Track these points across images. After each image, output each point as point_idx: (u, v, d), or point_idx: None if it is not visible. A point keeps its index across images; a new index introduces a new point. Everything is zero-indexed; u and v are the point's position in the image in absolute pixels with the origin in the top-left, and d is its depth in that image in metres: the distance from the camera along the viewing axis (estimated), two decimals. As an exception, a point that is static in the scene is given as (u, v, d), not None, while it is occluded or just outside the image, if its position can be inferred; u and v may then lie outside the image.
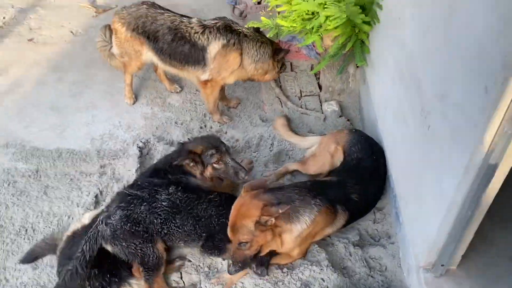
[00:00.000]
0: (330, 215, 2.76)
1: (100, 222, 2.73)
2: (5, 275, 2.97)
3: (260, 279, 2.76)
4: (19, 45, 5.07)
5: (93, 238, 2.68)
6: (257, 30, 3.78)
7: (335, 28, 3.38)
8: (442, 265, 2.27)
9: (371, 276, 2.77)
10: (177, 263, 2.98)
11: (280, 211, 2.45)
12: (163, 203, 2.81)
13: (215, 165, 3.07)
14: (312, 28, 3.57)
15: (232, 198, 2.81)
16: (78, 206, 3.36)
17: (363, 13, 3.29)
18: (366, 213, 3.05)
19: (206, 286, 2.83)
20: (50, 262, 3.01)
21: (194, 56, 3.63)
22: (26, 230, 3.22)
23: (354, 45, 3.61)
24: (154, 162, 3.51)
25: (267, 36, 3.84)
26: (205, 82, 3.77)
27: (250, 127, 3.96)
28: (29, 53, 4.95)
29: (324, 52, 3.98)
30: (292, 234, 2.62)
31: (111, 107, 4.26)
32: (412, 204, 2.56)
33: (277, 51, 3.73)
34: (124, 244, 2.71)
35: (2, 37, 5.19)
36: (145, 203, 2.78)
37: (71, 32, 5.28)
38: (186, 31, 3.60)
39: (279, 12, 4.00)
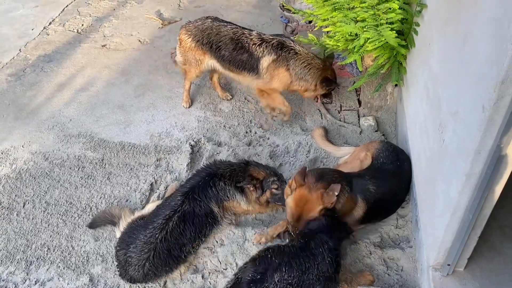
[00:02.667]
0: (351, 203, 3.12)
1: None
2: (72, 244, 3.49)
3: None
4: (94, 50, 5.75)
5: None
6: (330, 56, 4.20)
7: (374, 49, 3.71)
8: (449, 265, 2.52)
9: (388, 274, 3.04)
10: None
11: (336, 193, 2.82)
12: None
13: (274, 190, 3.40)
14: (354, 48, 3.91)
15: None
16: (135, 191, 3.85)
17: (400, 37, 3.59)
18: (386, 213, 3.33)
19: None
20: (109, 236, 3.50)
21: (250, 63, 4.13)
22: (91, 208, 3.75)
23: (392, 66, 3.90)
24: (208, 162, 3.82)
25: (325, 61, 4.20)
26: (260, 90, 4.26)
27: (291, 135, 4.33)
28: (101, 57, 5.61)
29: (364, 71, 4.30)
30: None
31: (169, 109, 4.77)
32: (427, 211, 2.83)
33: (328, 80, 4.13)
34: None
35: (80, 42, 5.92)
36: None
37: (139, 40, 5.91)
38: (246, 42, 4.10)
39: (327, 32, 4.38)
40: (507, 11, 1.72)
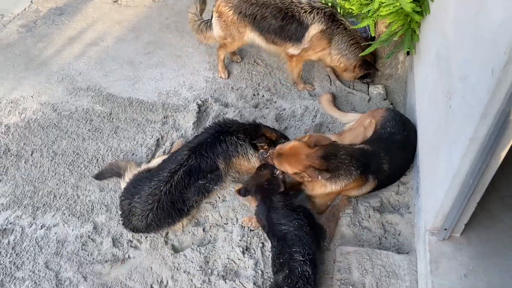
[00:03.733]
0: (360, 182, 3.11)
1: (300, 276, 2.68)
2: (77, 192, 3.57)
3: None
4: (105, 5, 5.71)
5: None
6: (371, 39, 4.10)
7: (388, 14, 3.64)
8: (445, 230, 2.55)
9: (385, 238, 3.09)
10: None
11: (320, 178, 2.85)
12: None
13: None
14: (368, 12, 3.84)
15: None
16: (141, 146, 3.90)
17: (416, 3, 3.51)
18: (392, 183, 3.35)
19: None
20: (114, 187, 3.58)
21: (298, 33, 4.01)
22: (97, 160, 3.81)
23: (405, 33, 3.83)
24: (214, 120, 3.89)
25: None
26: (291, 56, 4.19)
27: (298, 100, 4.32)
28: (113, 13, 5.58)
29: (377, 37, 4.23)
30: (325, 189, 3.02)
31: (178, 68, 4.77)
32: (429, 177, 2.84)
33: (367, 64, 4.08)
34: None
35: (92, -3, 5.86)
36: (296, 239, 2.79)
37: (151, -2, 5.85)
38: (296, 10, 3.96)
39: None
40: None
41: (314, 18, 3.96)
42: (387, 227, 3.15)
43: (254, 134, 3.40)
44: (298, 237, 2.77)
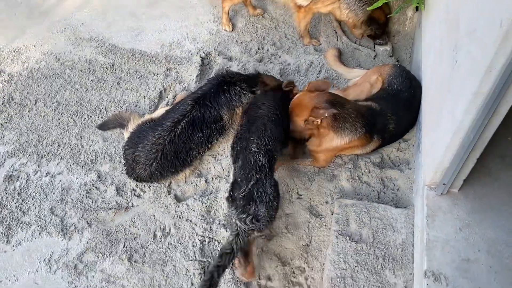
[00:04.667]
0: (365, 140, 3.13)
1: (251, 222, 2.63)
2: (81, 142, 3.60)
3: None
4: (108, -47, 5.52)
5: (243, 238, 2.64)
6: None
7: (398, -33, 3.54)
8: (444, 184, 2.58)
9: (384, 192, 3.14)
10: None
11: (326, 115, 2.87)
12: (263, 156, 2.85)
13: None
14: (377, -35, 3.73)
15: None
16: (144, 98, 3.90)
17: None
18: (395, 140, 3.37)
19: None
20: (117, 138, 3.61)
21: None
22: (100, 111, 3.82)
23: (415, -13, 3.74)
24: (219, 73, 3.73)
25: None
26: (300, 7, 4.09)
27: (303, 55, 4.26)
28: (115, -38, 5.39)
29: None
30: (331, 142, 3.04)
31: (181, 20, 4.68)
32: (430, 133, 2.85)
33: (372, 21, 3.97)
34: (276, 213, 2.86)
35: None
36: (263, 180, 2.77)
37: None
38: None
39: None
40: None
41: None
42: (386, 182, 3.19)
43: (255, 82, 3.40)
44: (263, 127, 2.91)
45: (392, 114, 3.21)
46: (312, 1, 4.01)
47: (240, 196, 2.69)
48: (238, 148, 2.95)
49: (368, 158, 3.30)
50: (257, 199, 2.67)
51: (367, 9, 3.91)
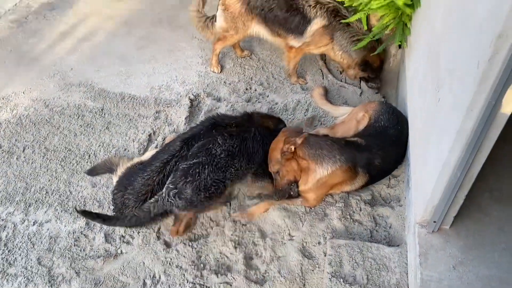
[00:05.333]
0: (350, 174, 3.11)
1: (173, 196, 2.88)
2: (70, 188, 3.56)
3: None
4: (98, 0, 5.67)
5: (161, 206, 2.91)
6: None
7: (379, 8, 3.63)
8: (435, 222, 2.56)
9: (376, 231, 3.10)
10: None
11: (298, 140, 2.92)
12: (221, 155, 3.03)
13: None
14: (359, 5, 3.83)
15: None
16: (133, 141, 3.90)
17: (407, -4, 3.51)
18: (384, 177, 3.36)
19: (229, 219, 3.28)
20: (106, 183, 3.58)
21: (300, 27, 4.01)
22: (89, 156, 3.80)
23: (397, 26, 3.83)
24: (206, 116, 3.89)
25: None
26: (291, 47, 4.18)
27: (290, 94, 4.32)
28: (105, 8, 5.54)
29: (369, 31, 4.23)
30: (314, 175, 3.03)
31: (171, 63, 4.75)
32: (419, 170, 2.86)
33: (366, 65, 4.02)
34: (199, 207, 3.00)
35: (84, -8, 5.82)
36: (206, 165, 2.96)
37: (143, -8, 5.80)
38: (301, 3, 3.96)
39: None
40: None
41: (316, 13, 3.95)
42: (378, 220, 3.16)
43: (247, 127, 3.35)
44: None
45: (378, 149, 3.22)
46: (304, 43, 4.10)
47: (181, 167, 2.89)
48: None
49: (359, 195, 3.28)
50: (190, 178, 2.82)
51: (353, 48, 3.99)
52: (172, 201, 2.86)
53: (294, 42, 4.14)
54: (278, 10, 4.02)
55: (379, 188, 3.36)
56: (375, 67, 4.14)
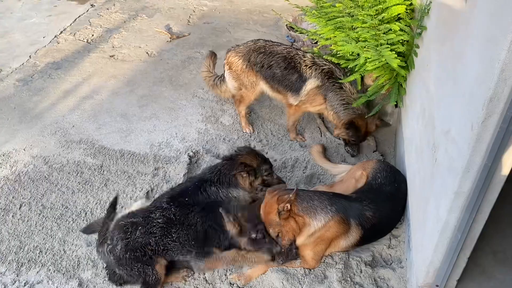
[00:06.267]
0: (343, 225, 3.06)
1: (107, 252, 2.99)
2: (64, 247, 3.49)
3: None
4: (102, 60, 5.86)
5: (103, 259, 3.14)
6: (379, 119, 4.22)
7: (374, 69, 3.74)
8: (437, 286, 2.49)
9: (377, 294, 3.01)
10: (183, 273, 3.19)
11: (291, 196, 2.89)
12: (158, 221, 3.03)
13: (265, 177, 3.50)
14: (355, 67, 3.95)
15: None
16: (131, 199, 3.87)
17: (401, 59, 3.61)
18: (381, 235, 3.30)
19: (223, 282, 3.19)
20: (101, 241, 3.51)
21: (297, 85, 4.14)
22: (86, 213, 3.76)
23: (392, 87, 3.92)
24: (198, 172, 3.99)
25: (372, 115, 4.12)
26: (291, 105, 4.29)
27: (289, 151, 4.34)
28: (109, 67, 5.71)
29: (363, 91, 4.33)
30: (309, 228, 2.98)
31: (171, 120, 4.82)
32: (419, 231, 2.81)
33: (352, 127, 4.04)
34: (128, 268, 2.97)
35: (89, 52, 6.03)
36: (140, 227, 2.98)
37: (147, 53, 6.02)
38: (298, 62, 4.12)
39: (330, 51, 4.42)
40: (496, 32, 1.75)
41: (312, 73, 4.08)
42: (379, 282, 3.07)
43: (231, 168, 3.40)
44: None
45: (369, 202, 3.18)
46: (301, 101, 4.19)
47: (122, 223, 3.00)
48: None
49: (359, 257, 3.21)
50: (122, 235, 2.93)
51: (353, 105, 4.03)
52: (100, 256, 3.06)
53: (292, 99, 4.24)
54: (276, 68, 4.17)
55: (379, 249, 3.29)
56: (360, 133, 4.14)
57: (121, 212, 3.27)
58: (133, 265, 2.95)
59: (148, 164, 4.24)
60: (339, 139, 4.37)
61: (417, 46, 3.47)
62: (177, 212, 3.09)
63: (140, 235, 2.96)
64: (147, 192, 3.92)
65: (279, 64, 4.16)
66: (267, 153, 4.34)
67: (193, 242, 3.04)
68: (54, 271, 3.30)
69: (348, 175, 3.64)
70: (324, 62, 4.12)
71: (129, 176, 4.10)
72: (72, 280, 3.25)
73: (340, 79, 4.06)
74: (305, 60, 4.12)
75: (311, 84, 4.10)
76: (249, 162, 3.47)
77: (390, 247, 3.30)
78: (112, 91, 5.25)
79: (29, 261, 3.39)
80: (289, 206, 2.93)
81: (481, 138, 1.88)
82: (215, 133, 4.63)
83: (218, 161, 4.17)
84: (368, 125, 4.14)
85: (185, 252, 3.06)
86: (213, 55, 4.77)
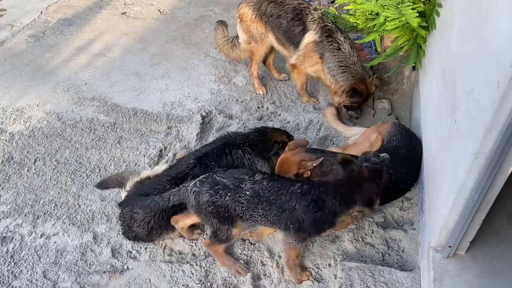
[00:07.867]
0: None
1: (191, 192, 2.80)
2: (78, 202, 3.55)
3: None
4: (113, 17, 5.77)
5: (178, 196, 2.85)
6: (383, 81, 4.12)
7: (394, 29, 3.63)
8: (450, 247, 2.49)
9: (388, 254, 3.02)
10: (196, 232, 3.22)
11: (314, 164, 2.85)
12: (247, 193, 2.73)
13: None
14: (373, 27, 3.84)
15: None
16: (144, 156, 3.89)
17: (422, 19, 3.50)
18: (394, 197, 3.29)
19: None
20: (115, 197, 3.55)
21: (298, 38, 4.04)
22: (100, 169, 3.80)
23: (411, 48, 3.82)
24: (217, 131, 3.95)
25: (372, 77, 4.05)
26: (293, 67, 4.20)
27: (302, 113, 4.30)
28: (120, 24, 5.63)
29: (382, 52, 4.22)
30: None
31: (183, 80, 4.78)
32: (434, 192, 2.79)
33: (354, 93, 3.94)
34: (204, 217, 2.84)
35: (101, 8, 5.94)
36: (230, 193, 2.72)
37: (159, 10, 5.91)
38: (305, 14, 4.01)
39: (347, 10, 4.28)
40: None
41: (312, 26, 3.97)
42: (391, 243, 3.08)
43: (262, 144, 3.31)
44: None
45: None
46: (299, 58, 4.11)
47: (215, 176, 2.78)
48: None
49: (371, 218, 3.21)
50: (211, 191, 2.73)
51: (367, 65, 3.95)
52: (189, 195, 2.79)
53: (293, 57, 4.14)
54: (284, 18, 4.06)
55: (391, 211, 3.29)
56: (362, 98, 4.05)
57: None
58: (211, 217, 2.83)
59: (161, 123, 4.23)
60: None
61: (440, 5, 3.34)
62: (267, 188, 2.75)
63: (229, 200, 2.74)
64: (161, 150, 3.93)
65: (287, 14, 4.07)
66: (280, 114, 4.31)
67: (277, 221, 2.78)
68: (69, 224, 3.37)
69: (363, 138, 3.60)
70: (329, 21, 4.01)
71: (142, 134, 4.11)
72: (86, 233, 3.31)
73: (339, 40, 3.92)
74: (312, 14, 4.01)
75: (309, 37, 3.99)
76: (279, 139, 3.40)
77: (402, 209, 3.30)
78: (124, 49, 5.20)
79: (44, 214, 3.45)
80: (309, 173, 2.91)
81: (507, 97, 1.82)
82: (228, 93, 4.58)
83: (231, 121, 4.17)
84: (368, 87, 4.05)
85: (268, 224, 2.86)
86: (221, 24, 4.70)
